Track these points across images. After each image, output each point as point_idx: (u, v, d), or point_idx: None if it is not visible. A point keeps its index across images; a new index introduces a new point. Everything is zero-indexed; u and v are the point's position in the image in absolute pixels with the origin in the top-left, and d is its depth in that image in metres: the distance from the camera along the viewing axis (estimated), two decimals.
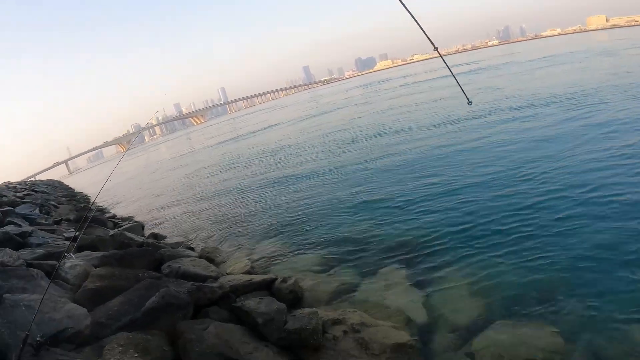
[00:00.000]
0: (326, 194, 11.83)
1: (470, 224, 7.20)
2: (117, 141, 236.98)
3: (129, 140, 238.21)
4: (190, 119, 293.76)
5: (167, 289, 4.89)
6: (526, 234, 6.39)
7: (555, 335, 4.13)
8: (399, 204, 9.22)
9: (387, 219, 8.53)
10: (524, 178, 8.71)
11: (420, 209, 8.55)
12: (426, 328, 4.90)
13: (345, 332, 4.64)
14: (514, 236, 6.39)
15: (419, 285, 5.87)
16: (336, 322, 4.90)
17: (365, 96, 52.05)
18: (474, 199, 8.24)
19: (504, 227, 6.72)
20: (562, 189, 7.70)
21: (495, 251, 6.14)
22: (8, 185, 31.95)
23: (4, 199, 17.28)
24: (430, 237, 7.15)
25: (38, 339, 3.41)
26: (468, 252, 6.33)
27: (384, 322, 5.01)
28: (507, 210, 7.33)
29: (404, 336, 4.57)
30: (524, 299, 4.92)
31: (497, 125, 14.72)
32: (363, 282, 6.37)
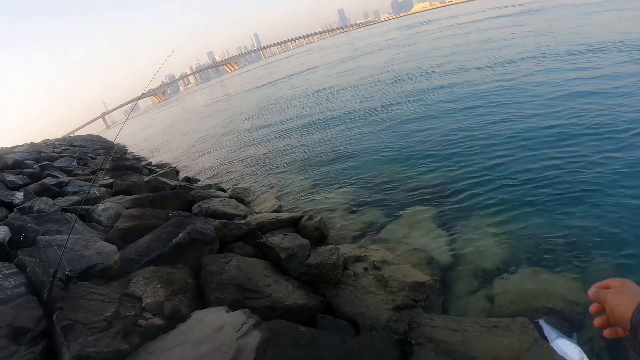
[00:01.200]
0: (362, 135, 11.65)
1: (506, 172, 6.82)
2: (152, 92, 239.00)
3: (164, 92, 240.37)
4: (224, 66, 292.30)
5: (193, 225, 5.06)
6: (562, 187, 6.04)
7: (578, 287, 4.07)
8: (435, 148, 8.97)
9: (421, 162, 8.36)
10: (576, 132, 7.77)
11: (457, 154, 8.23)
12: (448, 269, 4.90)
13: (365, 269, 4.72)
14: (549, 188, 6.05)
15: (445, 227, 5.83)
16: (358, 259, 4.99)
17: (406, 38, 48.45)
18: (515, 148, 7.66)
19: (540, 178, 6.31)
20: (616, 148, 6.76)
21: (527, 200, 5.91)
22: (47, 143, 33.00)
23: (43, 154, 17.95)
24: (462, 182, 6.99)
25: (67, 272, 3.62)
26: (499, 199, 6.16)
27: (405, 261, 5.07)
28: (549, 163, 6.80)
29: (424, 275, 4.61)
30: (551, 249, 4.78)
31: (554, 73, 12.67)
32: (389, 222, 6.38)
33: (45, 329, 3.11)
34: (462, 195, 6.60)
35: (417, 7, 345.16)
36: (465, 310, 4.18)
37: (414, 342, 3.31)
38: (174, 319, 3.23)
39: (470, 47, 23.44)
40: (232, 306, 3.21)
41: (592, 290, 1.16)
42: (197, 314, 3.09)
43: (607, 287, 1.14)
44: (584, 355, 3.19)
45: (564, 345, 3.29)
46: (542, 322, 3.64)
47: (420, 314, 3.88)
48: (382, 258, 5.00)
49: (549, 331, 3.52)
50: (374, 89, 18.57)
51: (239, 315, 2.75)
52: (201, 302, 3.77)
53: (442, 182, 7.23)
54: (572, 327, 3.60)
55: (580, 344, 3.32)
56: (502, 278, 4.49)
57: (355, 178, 8.51)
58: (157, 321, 3.14)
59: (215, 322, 2.78)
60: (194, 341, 2.64)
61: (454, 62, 19.83)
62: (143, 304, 3.43)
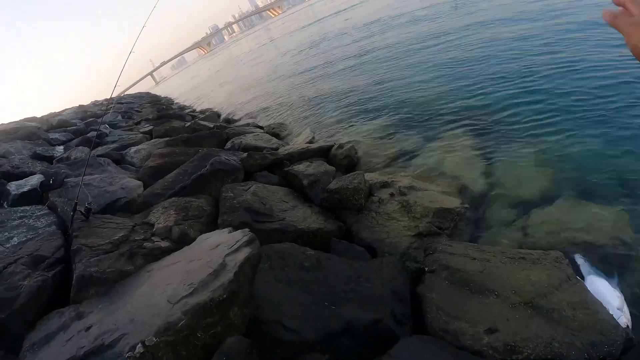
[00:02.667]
0: (406, 67, 10.95)
1: (552, 101, 6.20)
2: (196, 45, 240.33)
3: (209, 43, 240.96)
4: (268, 11, 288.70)
5: (217, 157, 5.03)
6: (611, 120, 5.30)
7: (625, 222, 3.56)
8: (477, 74, 8.30)
9: (462, 89, 7.80)
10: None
11: (499, 82, 7.62)
12: (481, 197, 4.51)
13: (392, 194, 4.49)
14: (596, 119, 5.37)
15: (483, 154, 5.39)
16: (384, 185, 4.76)
17: None
18: (561, 75, 6.97)
19: (589, 110, 5.72)
20: None
21: (572, 131, 5.23)
22: (95, 103, 34.03)
23: (89, 113, 18.54)
24: (503, 111, 6.41)
25: (87, 205, 3.70)
26: (542, 128, 5.53)
27: (435, 187, 4.77)
28: (597, 94, 6.09)
29: (453, 202, 4.28)
30: (595, 181, 4.25)
31: None
32: (423, 148, 6.06)
33: (63, 257, 3.23)
34: (503, 121, 6.09)
35: None
36: (494, 241, 3.80)
37: (427, 268, 3.10)
38: (182, 242, 3.22)
39: None
40: (239, 227, 3.13)
41: (607, 14, 0.91)
42: (202, 236, 3.04)
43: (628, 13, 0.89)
44: (625, 304, 2.64)
45: (603, 287, 2.78)
46: (579, 258, 3.17)
47: (438, 241, 3.57)
48: (410, 184, 4.73)
49: (586, 269, 3.04)
50: (425, 23, 17.29)
51: (237, 234, 2.65)
52: (214, 227, 3.74)
53: (481, 107, 6.73)
54: (615, 267, 3.09)
55: (622, 287, 2.84)
56: (540, 209, 4.03)
57: (393, 108, 8.12)
58: (163, 244, 3.15)
59: (215, 242, 2.72)
60: (188, 259, 2.61)
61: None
62: (153, 230, 3.44)
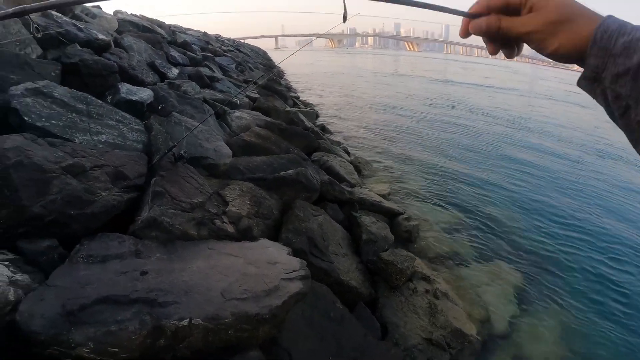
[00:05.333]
0: (517, 176, 10.71)
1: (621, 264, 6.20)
2: (330, 36, 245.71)
3: (341, 40, 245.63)
4: (405, 42, 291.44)
5: (304, 169, 5.24)
6: None
7: None
8: (570, 209, 8.35)
9: (547, 222, 7.75)
10: None
11: (586, 227, 7.64)
12: (496, 338, 4.58)
13: (426, 291, 4.62)
14: None
15: (522, 297, 5.42)
16: (425, 278, 4.87)
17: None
18: None
19: None
20: None
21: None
22: (218, 38, 35.16)
23: (210, 47, 19.18)
24: (571, 261, 6.39)
25: (182, 152, 3.98)
26: (597, 296, 5.57)
27: (465, 305, 4.87)
28: None
29: (470, 328, 4.37)
30: None
31: None
32: (474, 261, 6.12)
33: (141, 185, 3.43)
34: (564, 272, 6.07)
35: None
36: None
37: None
38: (244, 235, 3.44)
39: None
40: (296, 252, 3.36)
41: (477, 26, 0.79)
42: (264, 242, 3.27)
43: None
44: None
45: None
46: None
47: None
48: (446, 290, 4.85)
49: None
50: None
51: (295, 263, 2.90)
52: (275, 234, 3.96)
53: (552, 250, 6.66)
54: None
55: None
56: None
57: (470, 202, 8.17)
58: (230, 229, 3.36)
59: (274, 256, 2.94)
60: (247, 260, 2.82)
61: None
62: (226, 209, 3.66)
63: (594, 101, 0.74)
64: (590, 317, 5.18)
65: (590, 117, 20.77)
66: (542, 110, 24.23)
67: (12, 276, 2.22)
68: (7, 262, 2.30)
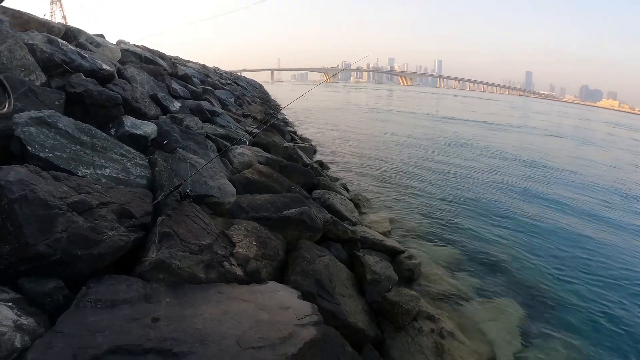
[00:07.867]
0: (501, 205, 10.86)
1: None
2: (324, 70, 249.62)
3: (335, 75, 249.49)
4: (399, 77, 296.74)
5: (307, 209, 5.26)
6: None
7: None
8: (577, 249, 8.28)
9: (547, 257, 7.69)
10: None
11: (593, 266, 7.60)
12: None
13: (432, 330, 4.58)
14: None
15: (526, 332, 5.39)
16: (430, 317, 4.83)
17: (601, 137, 37.81)
18: None
19: None
20: None
21: None
22: (216, 71, 35.78)
23: (209, 80, 19.42)
24: (573, 295, 6.35)
25: (188, 190, 3.97)
26: (601, 329, 5.52)
27: (470, 343, 4.79)
28: None
29: None
30: None
31: None
32: (478, 300, 6.04)
33: (148, 224, 3.40)
34: (568, 311, 5.99)
35: (604, 103, 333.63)
36: None
37: None
38: (252, 278, 3.41)
39: None
40: (304, 295, 3.34)
41: None
42: (273, 285, 3.24)
43: None
44: None
45: None
46: None
47: None
48: (452, 330, 4.78)
49: None
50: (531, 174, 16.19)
51: (307, 307, 2.89)
52: (280, 275, 3.94)
53: (554, 291, 6.54)
54: None
55: None
56: None
57: (471, 241, 8.10)
58: (238, 271, 3.33)
59: (285, 301, 2.92)
60: (259, 305, 2.80)
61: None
62: (234, 251, 3.64)
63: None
64: (595, 351, 5.15)
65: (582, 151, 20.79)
66: (535, 147, 24.43)
67: (17, 320, 2.15)
68: (10, 304, 2.24)
